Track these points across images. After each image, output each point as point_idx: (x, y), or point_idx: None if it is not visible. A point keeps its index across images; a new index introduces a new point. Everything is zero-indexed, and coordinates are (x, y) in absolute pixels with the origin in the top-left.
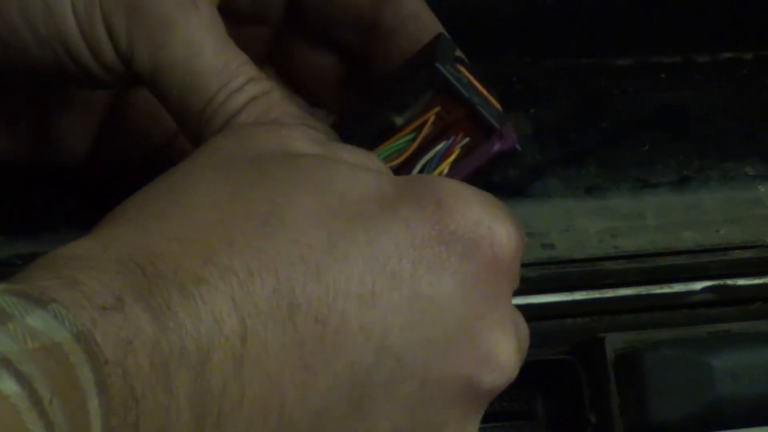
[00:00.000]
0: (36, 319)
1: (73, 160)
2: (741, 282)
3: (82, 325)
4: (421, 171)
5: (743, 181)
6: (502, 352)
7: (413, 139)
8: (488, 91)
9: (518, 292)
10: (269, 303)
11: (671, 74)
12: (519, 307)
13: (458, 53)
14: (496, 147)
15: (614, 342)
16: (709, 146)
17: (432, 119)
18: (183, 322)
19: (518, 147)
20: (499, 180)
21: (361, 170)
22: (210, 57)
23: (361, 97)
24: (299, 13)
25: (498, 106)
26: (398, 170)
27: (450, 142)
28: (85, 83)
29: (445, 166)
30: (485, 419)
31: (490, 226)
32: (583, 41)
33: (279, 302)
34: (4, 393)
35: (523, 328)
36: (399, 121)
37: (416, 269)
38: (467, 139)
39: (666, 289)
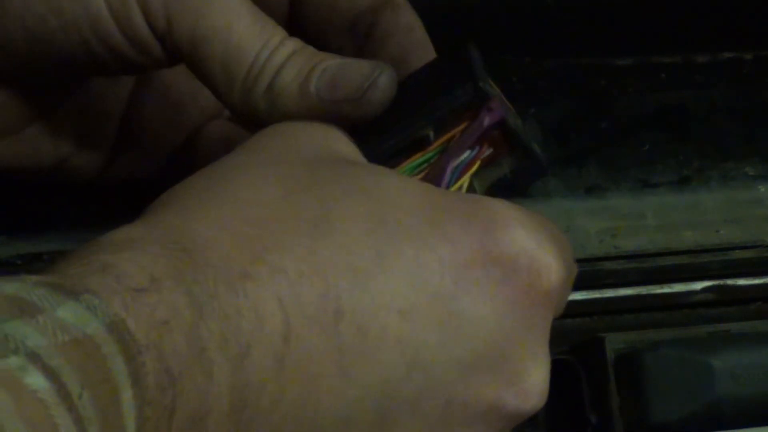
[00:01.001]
0: (67, 311)
1: (89, 167)
2: (741, 282)
3: (115, 315)
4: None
5: (743, 181)
6: (529, 378)
7: (442, 151)
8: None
9: None
10: (316, 307)
11: (671, 74)
12: None
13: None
14: (486, 121)
15: (614, 342)
16: (709, 146)
17: (460, 133)
18: (224, 314)
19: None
20: (500, 180)
21: (410, 182)
22: (248, 21)
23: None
24: (299, 20)
25: (512, 109)
26: (424, 181)
27: (474, 153)
28: (112, 68)
29: (466, 179)
30: None
31: (533, 255)
32: (583, 41)
33: (326, 307)
34: (32, 388)
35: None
36: (432, 135)
37: (456, 290)
38: (490, 151)
39: (666, 289)
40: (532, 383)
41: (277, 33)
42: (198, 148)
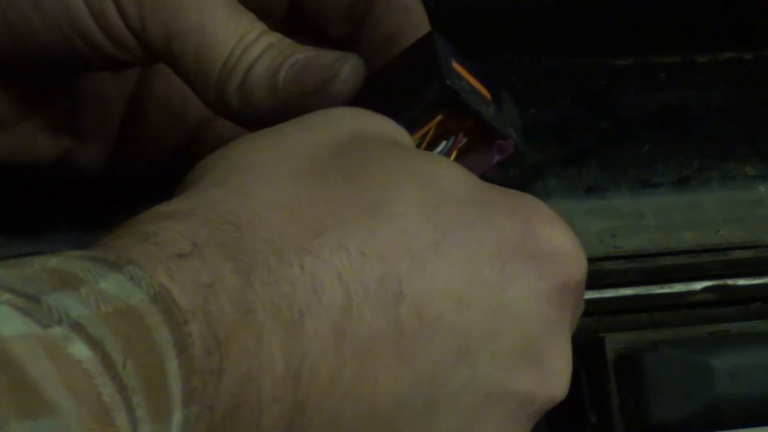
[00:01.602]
0: (110, 283)
1: (91, 164)
2: (741, 282)
3: (159, 285)
4: None
5: (743, 181)
6: (558, 374)
7: (418, 146)
8: (477, 78)
9: None
10: (377, 287)
11: (671, 74)
12: None
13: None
14: (496, 159)
15: (614, 342)
16: (709, 146)
17: (434, 127)
18: (274, 281)
19: (520, 147)
20: (500, 180)
21: (461, 170)
22: (223, 18)
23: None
24: (299, 9)
25: (487, 95)
26: None
27: (450, 143)
28: (98, 64)
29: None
30: None
31: (570, 252)
32: (583, 41)
33: (387, 288)
34: (76, 357)
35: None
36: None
37: (503, 280)
38: (465, 140)
39: (666, 289)
40: (560, 377)
41: (254, 28)
42: (203, 146)
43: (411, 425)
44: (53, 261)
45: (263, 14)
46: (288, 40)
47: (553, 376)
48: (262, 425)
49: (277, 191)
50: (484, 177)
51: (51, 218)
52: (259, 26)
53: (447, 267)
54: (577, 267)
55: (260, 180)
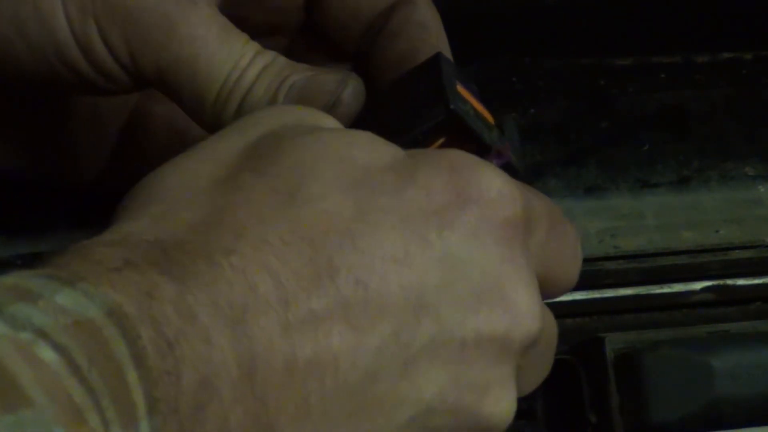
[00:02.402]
0: (65, 298)
1: (82, 177)
2: (741, 282)
3: (112, 301)
4: None
5: (743, 181)
6: (526, 305)
7: None
8: (481, 102)
9: None
10: (308, 270)
11: (671, 74)
12: None
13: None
14: (494, 163)
15: (614, 342)
16: (709, 146)
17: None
18: (210, 283)
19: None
20: None
21: (377, 140)
22: (215, 48)
23: (359, 125)
24: (314, 23)
25: (491, 119)
26: None
27: None
28: (85, 91)
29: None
30: None
31: (500, 191)
32: (583, 41)
33: (318, 268)
34: (45, 360)
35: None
36: None
37: (441, 231)
38: None
39: (666, 289)
40: (529, 309)
41: (248, 51)
42: None
43: (394, 392)
44: (8, 279)
45: (277, 29)
46: (282, 59)
47: (522, 312)
48: (231, 427)
49: (195, 210)
50: None
51: (51, 218)
52: (253, 48)
53: (378, 233)
54: (514, 201)
55: (177, 204)
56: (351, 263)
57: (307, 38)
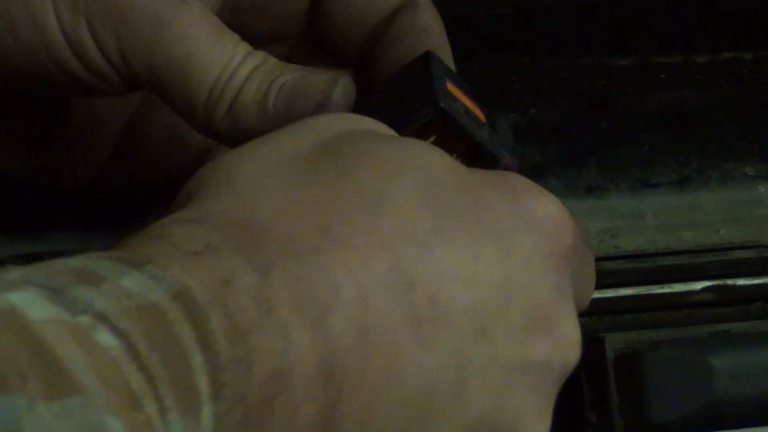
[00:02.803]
0: (131, 280)
1: (79, 180)
2: (741, 282)
3: (179, 284)
4: None
5: (743, 181)
6: (569, 336)
7: None
8: (472, 100)
9: None
10: (388, 278)
11: (671, 74)
12: None
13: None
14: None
15: (614, 342)
16: (709, 146)
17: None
18: (293, 279)
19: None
20: None
21: (447, 156)
22: (207, 48)
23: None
24: (315, 30)
25: (483, 117)
26: None
27: None
28: (77, 91)
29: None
30: None
31: (557, 218)
32: (583, 41)
33: (397, 278)
34: (103, 345)
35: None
36: None
37: (505, 255)
38: (459, 160)
39: (666, 289)
40: (572, 340)
41: (239, 51)
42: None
43: (444, 410)
44: (74, 261)
45: (278, 36)
46: (273, 59)
47: (565, 342)
48: (299, 424)
49: (278, 197)
50: None
51: (51, 218)
52: (244, 48)
53: (451, 250)
54: (567, 231)
55: (259, 188)
56: (426, 277)
57: (307, 45)
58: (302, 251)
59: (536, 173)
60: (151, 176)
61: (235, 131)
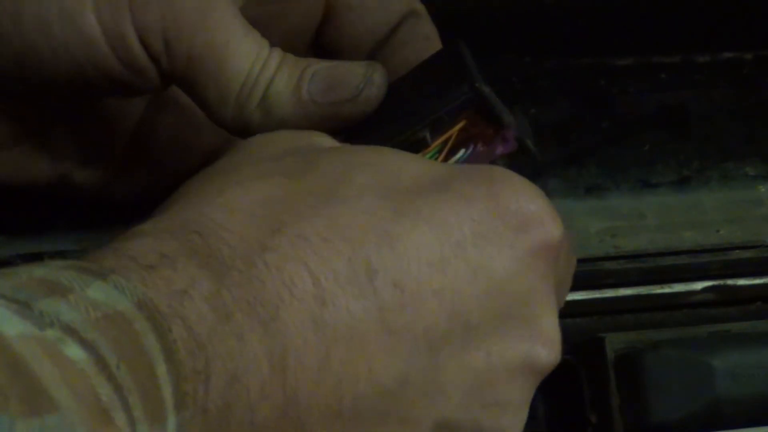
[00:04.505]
0: (96, 291)
1: (86, 187)
2: (741, 282)
3: (142, 294)
4: None
5: (743, 181)
6: (552, 328)
7: (440, 151)
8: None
9: None
10: (347, 269)
11: (671, 74)
12: None
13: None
14: (499, 150)
15: (614, 342)
16: (710, 146)
17: (457, 133)
18: (245, 281)
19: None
20: None
21: (407, 154)
22: (242, 36)
23: (379, 110)
24: (327, 41)
25: (502, 105)
26: None
27: (470, 151)
28: (107, 90)
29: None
30: None
31: (538, 205)
32: (583, 41)
33: (356, 268)
34: (72, 359)
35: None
36: (429, 135)
37: (477, 240)
38: (485, 147)
39: (666, 289)
40: (554, 333)
41: (265, 44)
42: None
43: (421, 398)
44: (39, 271)
45: (289, 47)
46: (290, 54)
47: (549, 339)
48: (257, 423)
49: (228, 198)
50: None
51: (51, 218)
52: (267, 42)
53: (414, 236)
54: (551, 227)
55: (211, 192)
56: (388, 265)
57: (315, 54)
58: (253, 251)
59: (536, 173)
60: (156, 180)
61: (268, 122)
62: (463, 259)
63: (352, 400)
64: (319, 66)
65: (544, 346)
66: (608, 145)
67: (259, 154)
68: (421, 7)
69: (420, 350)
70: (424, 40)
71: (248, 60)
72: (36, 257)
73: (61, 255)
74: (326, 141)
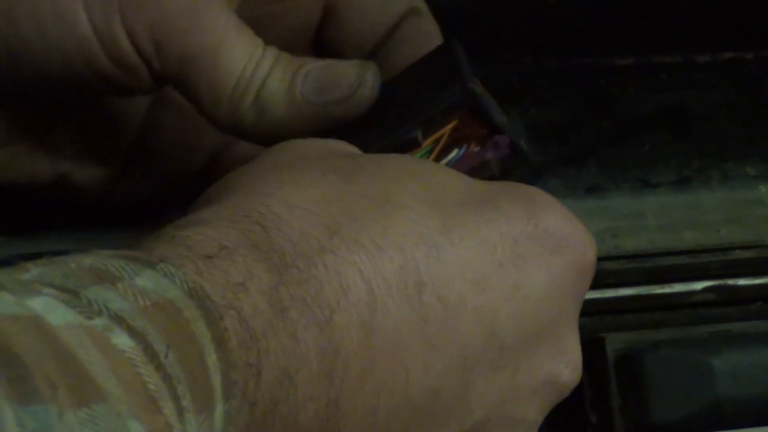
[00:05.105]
0: (145, 279)
1: (91, 187)
2: (741, 282)
3: (193, 282)
4: None
5: (744, 181)
6: (576, 350)
7: (431, 151)
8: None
9: None
10: (397, 278)
11: (671, 74)
12: None
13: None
14: (490, 154)
15: (614, 342)
16: (710, 146)
17: (449, 132)
18: (304, 280)
19: (531, 158)
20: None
21: (449, 170)
22: (235, 38)
23: (372, 109)
24: (327, 40)
25: (497, 104)
26: None
27: (462, 151)
28: (102, 90)
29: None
30: None
31: (574, 227)
32: (583, 41)
33: (407, 278)
34: (119, 347)
35: None
36: (421, 135)
37: (516, 260)
38: (478, 149)
39: (666, 289)
40: (577, 354)
41: (259, 43)
42: (222, 170)
43: (448, 410)
44: (88, 260)
45: (288, 47)
46: (285, 53)
47: (571, 353)
48: (300, 422)
49: (288, 192)
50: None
51: (51, 218)
52: (262, 42)
53: (461, 251)
54: (588, 248)
55: (270, 186)
56: (435, 278)
57: (315, 54)
58: (313, 250)
59: (536, 173)
60: (159, 181)
61: (261, 122)
62: (503, 278)
63: (386, 411)
64: (312, 66)
65: (567, 366)
66: (608, 145)
67: (305, 153)
68: (422, 5)
69: (454, 367)
70: (426, 37)
71: (241, 60)
72: (36, 257)
73: (60, 255)
74: (352, 148)
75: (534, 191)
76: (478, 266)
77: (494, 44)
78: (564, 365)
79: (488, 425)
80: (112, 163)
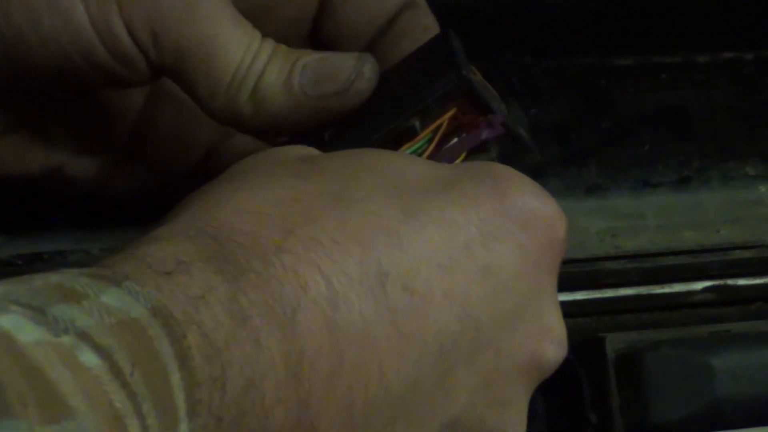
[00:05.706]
0: (110, 297)
1: (85, 180)
2: (741, 282)
3: (157, 300)
4: None
5: (744, 181)
6: (559, 326)
7: (430, 140)
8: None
9: None
10: (358, 271)
11: (671, 74)
12: None
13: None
14: (484, 135)
15: (614, 342)
16: (710, 146)
17: (447, 121)
18: (263, 283)
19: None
20: None
21: (411, 157)
22: (232, 29)
23: (369, 100)
24: (322, 31)
25: (497, 95)
26: None
27: (461, 139)
28: (98, 82)
29: (458, 162)
30: None
31: (543, 202)
32: (583, 41)
33: (367, 271)
34: (86, 365)
35: None
36: (418, 125)
37: (485, 239)
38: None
39: (666, 289)
40: (560, 329)
41: (256, 35)
42: (219, 163)
43: (430, 398)
44: (54, 277)
45: (285, 39)
46: (283, 45)
47: (554, 329)
48: (269, 429)
49: (239, 199)
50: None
51: (51, 218)
52: (259, 34)
53: (424, 237)
54: (558, 225)
55: (222, 197)
56: (398, 267)
57: (312, 46)
58: (269, 252)
59: (536, 173)
60: (155, 175)
61: (258, 114)
62: (471, 259)
63: (364, 405)
64: (310, 58)
65: (552, 343)
66: (608, 145)
67: (266, 160)
68: None
69: (430, 353)
70: (423, 30)
71: (238, 52)
72: (36, 257)
73: (60, 255)
74: (312, 150)
75: (499, 168)
76: (443, 250)
77: (494, 44)
78: (548, 342)
79: (476, 409)
80: (107, 156)
